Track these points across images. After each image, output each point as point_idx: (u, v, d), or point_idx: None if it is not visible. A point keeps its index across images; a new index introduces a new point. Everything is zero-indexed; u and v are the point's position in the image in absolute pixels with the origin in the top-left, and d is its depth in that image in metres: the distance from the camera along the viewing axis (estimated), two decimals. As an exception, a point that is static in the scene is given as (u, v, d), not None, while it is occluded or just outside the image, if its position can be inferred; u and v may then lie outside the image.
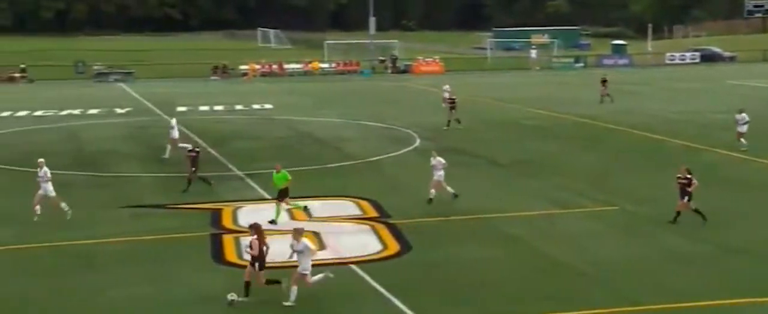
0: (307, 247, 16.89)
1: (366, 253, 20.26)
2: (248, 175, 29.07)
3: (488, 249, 20.48)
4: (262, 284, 16.84)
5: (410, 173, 30.18)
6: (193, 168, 26.62)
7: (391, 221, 23.00)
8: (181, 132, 33.47)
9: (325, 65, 78.43)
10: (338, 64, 78.43)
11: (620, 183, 27.67)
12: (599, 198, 25.77)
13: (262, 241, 16.95)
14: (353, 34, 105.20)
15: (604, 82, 50.75)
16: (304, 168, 30.27)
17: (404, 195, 26.25)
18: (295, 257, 16.90)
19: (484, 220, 23.23)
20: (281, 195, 23.05)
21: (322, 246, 20.80)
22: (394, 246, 20.85)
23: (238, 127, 42.27)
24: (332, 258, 19.78)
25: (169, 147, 32.12)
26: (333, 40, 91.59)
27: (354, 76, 74.90)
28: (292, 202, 23.19)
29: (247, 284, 16.78)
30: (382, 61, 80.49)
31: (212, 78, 72.05)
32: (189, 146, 27.78)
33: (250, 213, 23.66)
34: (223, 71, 73.61)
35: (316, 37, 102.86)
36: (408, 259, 19.87)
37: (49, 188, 23.02)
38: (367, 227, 22.60)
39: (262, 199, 25.77)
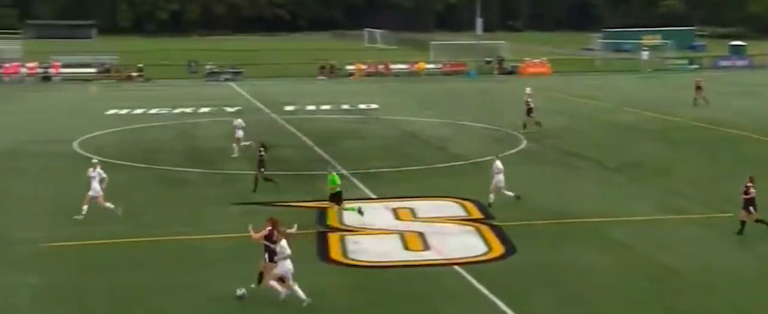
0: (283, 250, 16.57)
1: (470, 255, 20.17)
2: (354, 175, 29.33)
3: (596, 254, 20.10)
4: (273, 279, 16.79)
5: (516, 175, 29.81)
6: (261, 169, 26.92)
7: (496, 223, 22.84)
8: (287, 130, 34.03)
9: (431, 66, 78.34)
10: (444, 65, 78.24)
11: (734, 190, 26.65)
12: (712, 204, 24.97)
13: (279, 235, 16.81)
14: (460, 35, 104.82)
15: (698, 88, 48.91)
16: (409, 168, 30.35)
17: (509, 197, 25.99)
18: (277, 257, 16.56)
19: (591, 224, 22.81)
20: (335, 199, 22.91)
21: (425, 246, 20.84)
22: (498, 248, 20.70)
23: (345, 126, 42.69)
24: (436, 259, 19.78)
25: (235, 146, 32.74)
26: (439, 40, 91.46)
27: (460, 77, 74.63)
28: (347, 205, 23.06)
29: (261, 274, 16.97)
30: (489, 62, 79.90)
31: (319, 77, 72.98)
32: (250, 143, 28.01)
33: (355, 213, 23.86)
34: (329, 71, 74.48)
35: (422, 38, 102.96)
36: (513, 262, 19.69)
37: (97, 188, 23.28)
38: (472, 228, 22.50)
39: (368, 199, 25.97)
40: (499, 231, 21.98)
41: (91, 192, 23.17)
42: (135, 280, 18.21)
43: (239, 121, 33.64)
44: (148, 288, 17.85)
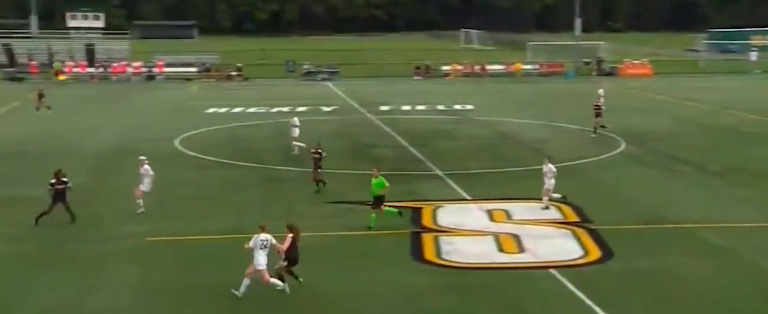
0: (265, 243, 16.94)
1: (566, 258, 19.85)
2: (448, 175, 29.24)
3: (697, 261, 19.51)
4: (276, 275, 17.08)
5: (614, 178, 29.32)
6: (318, 168, 26.99)
7: (593, 226, 22.42)
8: (382, 130, 34.14)
9: (528, 67, 77.55)
10: (541, 66, 77.34)
11: None
12: (822, 211, 23.93)
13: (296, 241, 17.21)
14: (558, 36, 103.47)
15: None
16: (504, 169, 30.08)
17: (607, 200, 25.53)
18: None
19: (691, 229, 22.17)
20: (377, 203, 22.54)
21: (520, 248, 20.61)
22: (595, 252, 20.31)
23: (439, 126, 42.60)
24: (531, 262, 19.54)
25: (295, 144, 33.33)
26: (537, 41, 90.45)
27: (557, 78, 73.63)
28: (386, 208, 22.74)
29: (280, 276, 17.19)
30: (587, 63, 78.58)
31: (415, 78, 73.09)
32: (302, 144, 28.18)
33: (449, 213, 23.82)
34: (425, 71, 74.50)
35: (519, 38, 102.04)
36: (610, 267, 19.29)
37: (148, 183, 23.97)
38: (568, 231, 22.14)
39: (462, 200, 25.85)
40: (595, 235, 21.57)
41: (142, 187, 23.92)
42: (233, 276, 18.51)
43: (295, 120, 34.35)
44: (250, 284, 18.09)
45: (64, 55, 74.26)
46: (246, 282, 17.03)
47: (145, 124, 42.71)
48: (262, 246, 17.00)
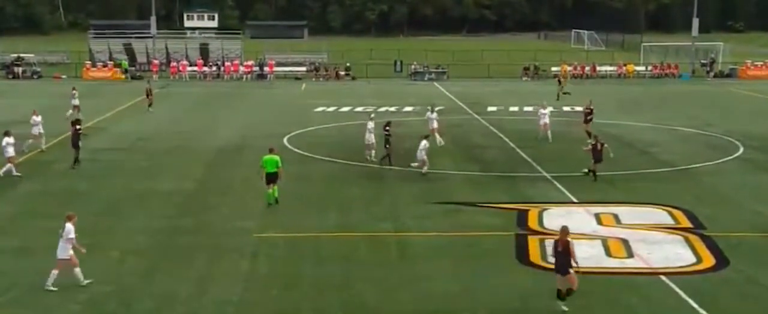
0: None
1: (678, 265, 19.28)
2: (555, 178, 28.81)
3: (819, 272, 18.64)
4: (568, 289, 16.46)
5: (730, 183, 28.33)
6: (387, 145, 28.81)
7: (707, 233, 21.71)
8: (489, 131, 33.81)
9: (641, 68, 75.68)
10: (655, 67, 75.36)
11: None
12: None
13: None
14: (673, 36, 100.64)
15: None
16: (613, 172, 29.44)
17: (722, 207, 24.69)
18: None
19: (814, 240, 21.19)
20: (270, 179, 24.47)
21: (629, 253, 20.13)
22: (709, 260, 19.67)
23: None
24: (641, 268, 19.06)
25: (438, 136, 34.72)
26: (650, 41, 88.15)
27: (672, 79, 71.63)
28: (272, 188, 24.40)
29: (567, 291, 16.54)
30: (704, 65, 76.13)
31: (523, 78, 72.35)
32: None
33: (555, 216, 23.48)
34: (534, 72, 73.67)
35: (632, 39, 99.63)
36: (725, 275, 18.64)
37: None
38: (680, 237, 21.50)
39: (569, 202, 25.44)
40: (710, 242, 20.89)
41: None
42: (342, 273, 18.74)
43: (433, 114, 36.10)
44: (353, 280, 18.30)
45: (180, 54, 76.64)
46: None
47: (258, 122, 43.61)
48: None
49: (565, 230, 16.50)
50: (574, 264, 16.24)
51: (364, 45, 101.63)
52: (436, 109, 37.77)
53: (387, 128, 30.97)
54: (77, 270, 17.58)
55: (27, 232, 22.05)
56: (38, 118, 33.97)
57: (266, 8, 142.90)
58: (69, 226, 17.59)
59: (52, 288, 17.32)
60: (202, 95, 57.78)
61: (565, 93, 53.68)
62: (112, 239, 21.40)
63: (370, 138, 31.98)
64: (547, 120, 37.05)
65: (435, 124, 35.69)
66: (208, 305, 16.87)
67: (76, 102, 43.30)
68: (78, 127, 31.33)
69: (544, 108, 37.90)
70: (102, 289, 17.63)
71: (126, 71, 71.67)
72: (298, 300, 17.19)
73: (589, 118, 37.33)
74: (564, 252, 16.28)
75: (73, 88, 47.22)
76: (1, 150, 29.01)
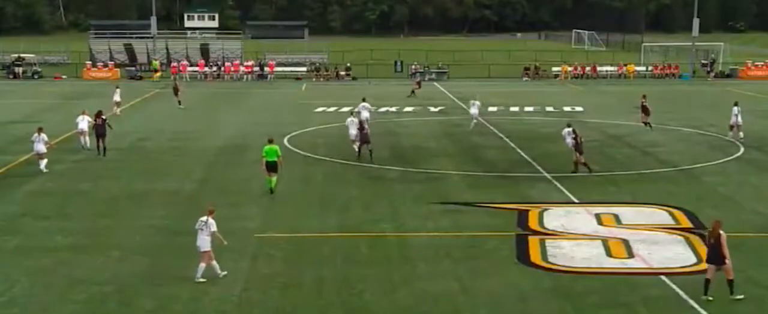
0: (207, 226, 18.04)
1: (678, 265, 19.25)
2: (556, 178, 28.79)
3: (818, 273, 18.62)
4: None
5: (731, 184, 28.31)
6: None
7: (707, 233, 21.62)
8: (490, 131, 33.77)
9: (641, 68, 75.71)
10: (656, 67, 75.36)
11: None
12: None
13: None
14: (673, 36, 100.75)
15: None
16: (615, 173, 29.40)
17: (723, 207, 24.64)
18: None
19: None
20: (270, 168, 25.68)
21: (630, 254, 20.11)
22: (709, 261, 19.58)
23: (548, 128, 41.96)
24: (642, 268, 19.04)
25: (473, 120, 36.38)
26: (650, 41, 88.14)
27: (672, 79, 71.61)
28: (272, 178, 25.43)
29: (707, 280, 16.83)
30: (705, 65, 76.13)
31: (523, 79, 72.35)
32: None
33: (556, 216, 23.46)
34: (534, 72, 73.67)
35: (632, 39, 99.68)
36: (724, 275, 18.53)
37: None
38: (681, 238, 21.48)
39: (570, 203, 25.42)
40: (710, 242, 20.81)
41: None
42: (344, 274, 18.71)
43: (473, 108, 40.38)
44: (355, 280, 18.28)
45: (180, 54, 76.63)
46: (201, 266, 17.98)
47: (258, 122, 43.59)
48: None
49: (718, 222, 16.99)
50: (726, 258, 16.68)
51: (365, 45, 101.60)
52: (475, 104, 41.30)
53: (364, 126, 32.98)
54: (214, 262, 18.14)
55: (27, 232, 22.03)
56: (85, 117, 34.60)
57: (266, 8, 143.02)
58: (211, 220, 18.22)
59: (201, 280, 17.88)
60: (203, 95, 57.76)
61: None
62: (112, 239, 21.37)
63: (353, 132, 33.64)
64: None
65: (474, 111, 40.76)
66: (208, 305, 16.85)
67: (118, 98, 45.76)
68: (104, 117, 33.47)
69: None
70: (102, 289, 17.61)
71: (155, 71, 71.40)
72: (298, 300, 17.17)
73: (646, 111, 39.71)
74: (716, 244, 16.67)
75: (117, 87, 48.32)
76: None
